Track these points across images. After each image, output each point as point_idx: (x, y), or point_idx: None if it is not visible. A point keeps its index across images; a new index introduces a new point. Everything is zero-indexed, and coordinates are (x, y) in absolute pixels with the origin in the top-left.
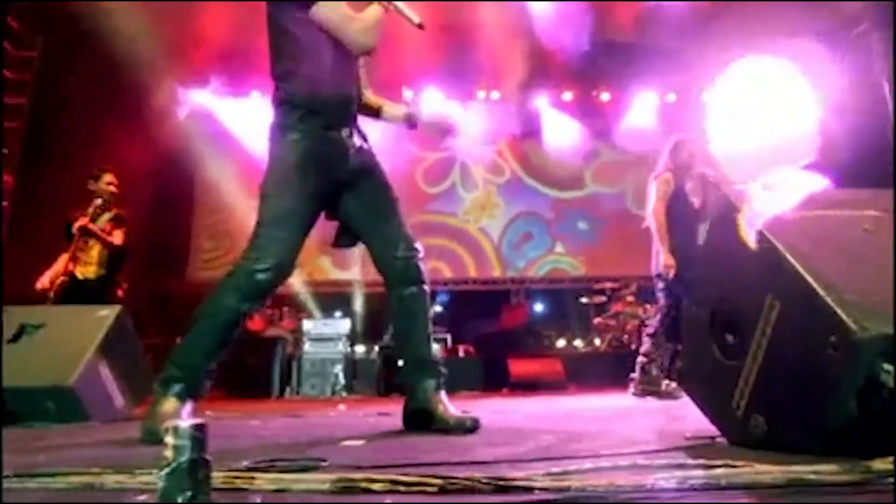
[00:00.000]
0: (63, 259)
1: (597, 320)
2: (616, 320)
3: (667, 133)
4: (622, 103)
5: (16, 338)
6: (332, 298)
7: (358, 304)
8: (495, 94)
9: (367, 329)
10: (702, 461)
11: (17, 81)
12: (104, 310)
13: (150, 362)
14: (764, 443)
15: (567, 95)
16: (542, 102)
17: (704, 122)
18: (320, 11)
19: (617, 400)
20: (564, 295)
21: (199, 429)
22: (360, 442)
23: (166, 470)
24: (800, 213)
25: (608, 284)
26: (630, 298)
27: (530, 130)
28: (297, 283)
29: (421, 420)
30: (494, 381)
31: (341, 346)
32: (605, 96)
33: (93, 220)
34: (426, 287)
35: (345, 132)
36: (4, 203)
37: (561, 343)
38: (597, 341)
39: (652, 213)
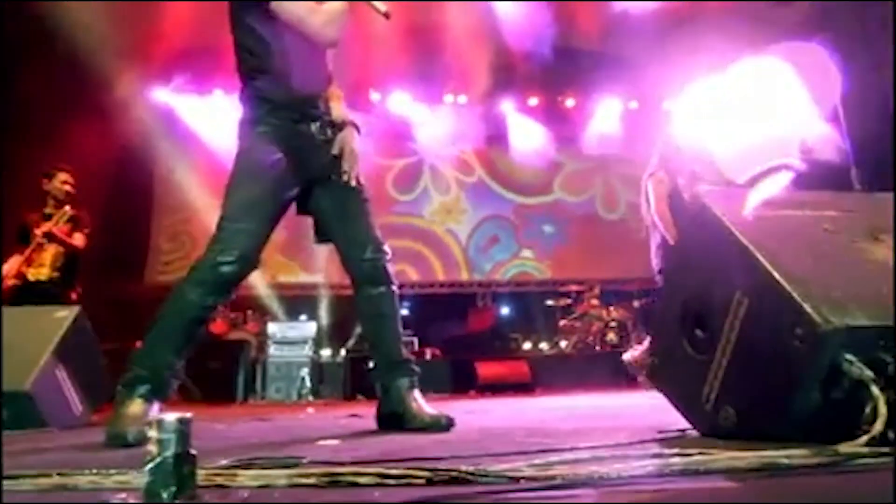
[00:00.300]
0: (15, 260)
1: (562, 322)
2: (581, 322)
3: (630, 139)
4: (587, 109)
5: None
6: (297, 301)
7: (323, 307)
8: (462, 98)
9: (333, 332)
10: (677, 450)
11: None
12: (62, 311)
13: (108, 366)
14: (734, 433)
15: (533, 101)
16: (508, 107)
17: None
18: (282, 6)
19: (585, 400)
20: (530, 298)
21: (184, 422)
22: (336, 441)
23: (150, 465)
24: (765, 213)
25: (573, 287)
26: (595, 301)
27: (497, 134)
28: (260, 285)
29: (395, 420)
30: (462, 383)
31: (307, 350)
32: (570, 102)
33: (48, 220)
34: (394, 288)
35: (314, 126)
36: None
37: (527, 346)
38: (562, 343)
39: (657, 214)
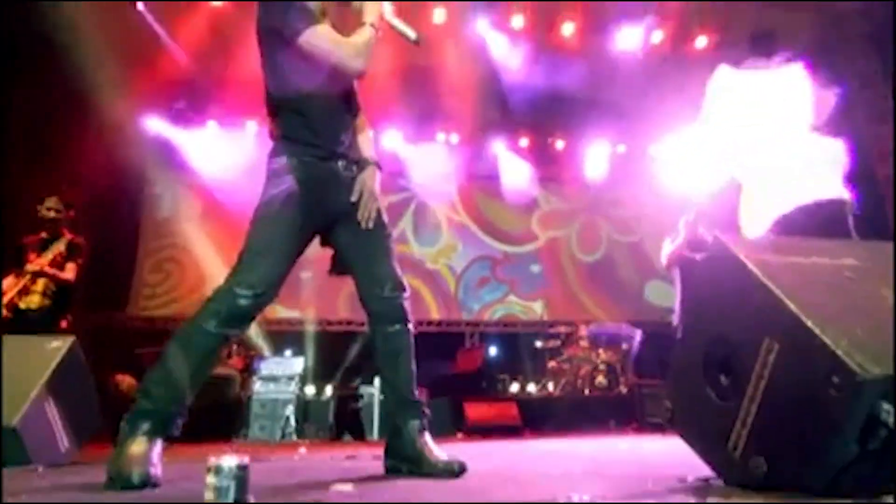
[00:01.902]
0: (8, 284)
1: (551, 364)
2: (570, 364)
3: (617, 182)
4: (576, 152)
5: None
6: (282, 337)
7: (309, 344)
8: (454, 138)
9: (319, 369)
10: (718, 499)
11: None
12: (56, 341)
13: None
14: (764, 483)
15: (523, 141)
16: (499, 147)
17: (652, 172)
18: (310, 41)
19: (589, 444)
20: (518, 339)
21: (243, 468)
22: (349, 487)
23: None
24: (785, 259)
25: (562, 329)
26: (584, 343)
27: (487, 174)
28: None
29: (407, 462)
30: (449, 424)
31: (293, 387)
32: (559, 144)
33: (43, 249)
34: (410, 326)
35: (340, 163)
36: None
37: (514, 387)
38: (550, 385)
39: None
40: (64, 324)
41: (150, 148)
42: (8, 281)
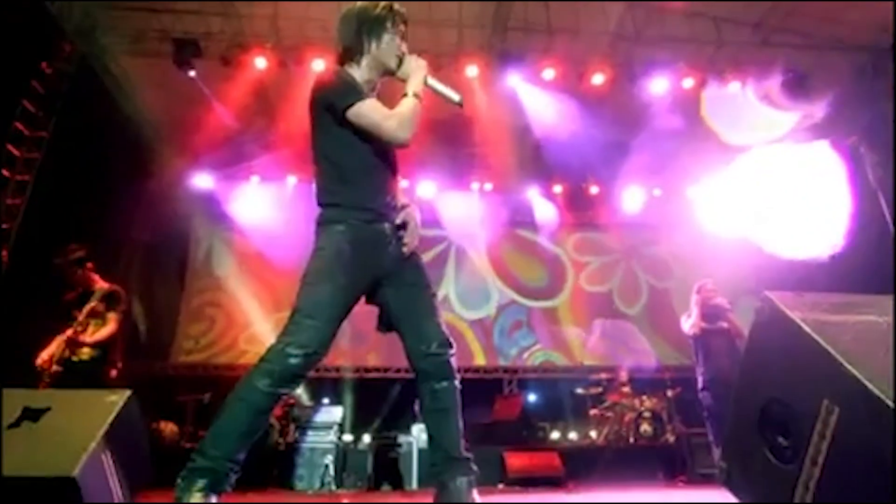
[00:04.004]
0: (57, 343)
1: (593, 412)
2: (613, 412)
3: (654, 227)
4: (610, 196)
5: (18, 422)
6: (320, 385)
7: (346, 392)
8: (489, 185)
9: (356, 416)
10: None
11: (25, 159)
12: (113, 395)
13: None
14: None
15: (558, 188)
16: (533, 193)
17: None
18: (359, 114)
19: (631, 497)
20: (558, 386)
21: None
22: None
23: None
24: (833, 318)
25: (603, 375)
26: (626, 389)
27: (521, 221)
28: None
29: None
30: (489, 474)
31: (332, 436)
32: (594, 189)
33: (81, 305)
34: (457, 383)
35: (387, 225)
36: None
37: (555, 435)
38: (593, 433)
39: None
40: (113, 373)
41: (197, 202)
42: (58, 340)
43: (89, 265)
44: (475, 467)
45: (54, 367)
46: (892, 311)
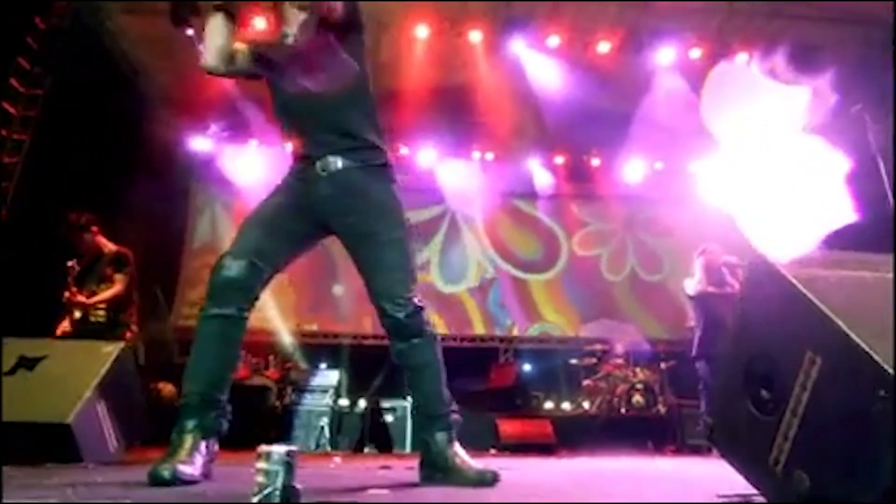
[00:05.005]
0: (73, 307)
1: (586, 382)
2: (606, 382)
3: (654, 201)
4: (611, 169)
5: (14, 370)
6: (318, 350)
7: (344, 357)
8: (490, 155)
9: (352, 381)
10: None
11: (22, 117)
12: (108, 346)
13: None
14: (807, 500)
15: (559, 159)
16: (534, 164)
17: (692, 190)
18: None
19: (624, 462)
20: (553, 356)
21: (291, 455)
22: (385, 491)
23: (259, 496)
24: (826, 273)
25: (598, 346)
26: (619, 361)
27: (521, 192)
28: (284, 332)
29: (440, 472)
30: (482, 440)
31: (328, 399)
32: (595, 161)
33: (88, 269)
34: (426, 338)
35: (306, 165)
36: None
37: (549, 405)
38: (586, 404)
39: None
40: (128, 335)
41: (196, 164)
42: (73, 307)
43: (94, 229)
44: (456, 418)
45: (71, 328)
46: (892, 270)
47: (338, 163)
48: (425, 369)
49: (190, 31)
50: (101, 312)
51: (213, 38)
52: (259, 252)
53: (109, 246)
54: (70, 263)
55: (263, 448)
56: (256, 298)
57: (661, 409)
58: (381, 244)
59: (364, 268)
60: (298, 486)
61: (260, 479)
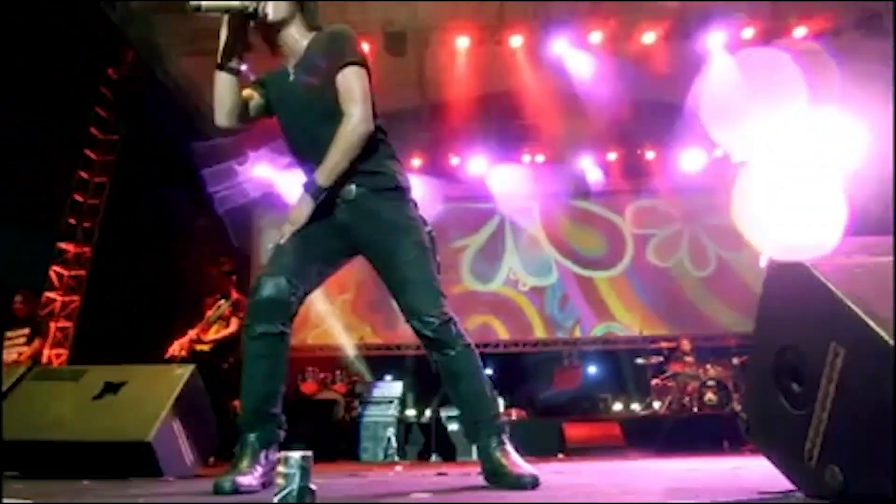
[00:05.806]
0: (189, 335)
1: (654, 382)
2: (675, 381)
3: (714, 191)
4: (668, 161)
5: (101, 395)
6: (383, 362)
7: (407, 367)
8: (540, 157)
9: (417, 392)
10: None
11: (101, 161)
12: (180, 368)
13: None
14: (843, 494)
15: (612, 155)
16: (586, 163)
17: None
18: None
19: (683, 463)
20: (619, 356)
21: (306, 459)
22: (426, 495)
23: (279, 496)
24: (849, 261)
25: (664, 344)
26: (688, 359)
27: (576, 192)
28: (348, 346)
29: (491, 478)
30: (549, 446)
31: (393, 410)
32: (650, 155)
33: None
34: (461, 349)
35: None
36: (80, 272)
37: (617, 406)
38: (656, 404)
39: None
40: (225, 365)
41: (258, 191)
42: (189, 334)
43: (233, 277)
44: (501, 422)
45: (182, 354)
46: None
47: (352, 190)
48: (462, 378)
49: (244, 67)
50: (208, 345)
51: (221, 98)
52: (293, 271)
53: (235, 293)
54: (220, 301)
55: (283, 454)
56: (295, 315)
57: (737, 406)
58: (400, 265)
59: (391, 289)
60: (313, 486)
61: (280, 481)
